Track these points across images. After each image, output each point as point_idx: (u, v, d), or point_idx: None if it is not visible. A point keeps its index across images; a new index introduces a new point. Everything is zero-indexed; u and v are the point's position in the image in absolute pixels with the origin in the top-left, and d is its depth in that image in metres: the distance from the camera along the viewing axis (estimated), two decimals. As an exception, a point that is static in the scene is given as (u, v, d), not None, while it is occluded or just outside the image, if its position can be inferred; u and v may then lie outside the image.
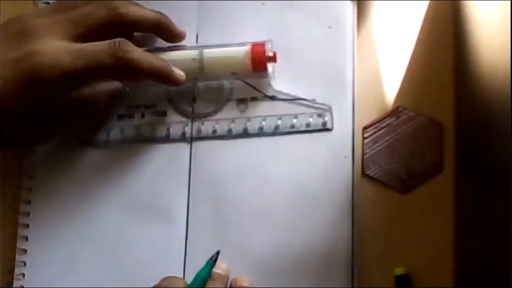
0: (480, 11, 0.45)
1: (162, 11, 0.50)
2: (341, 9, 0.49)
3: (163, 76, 0.46)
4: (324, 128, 0.47)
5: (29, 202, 0.49)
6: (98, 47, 0.44)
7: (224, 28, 0.50)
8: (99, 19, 0.45)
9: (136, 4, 0.48)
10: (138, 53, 0.44)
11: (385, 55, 0.48)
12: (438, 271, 0.44)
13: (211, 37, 0.50)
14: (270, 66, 0.47)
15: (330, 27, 0.49)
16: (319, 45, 0.48)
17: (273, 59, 0.47)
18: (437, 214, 0.45)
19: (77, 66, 0.43)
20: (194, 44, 0.50)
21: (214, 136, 0.48)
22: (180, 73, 0.46)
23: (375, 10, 0.49)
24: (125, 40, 0.44)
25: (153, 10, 0.48)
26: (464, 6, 0.47)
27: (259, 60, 0.47)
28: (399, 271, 0.45)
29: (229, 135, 0.48)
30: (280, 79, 0.48)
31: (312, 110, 0.47)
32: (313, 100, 0.47)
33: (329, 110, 0.47)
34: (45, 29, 0.44)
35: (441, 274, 0.44)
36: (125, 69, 0.44)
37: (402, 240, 0.45)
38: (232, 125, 0.48)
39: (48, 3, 0.51)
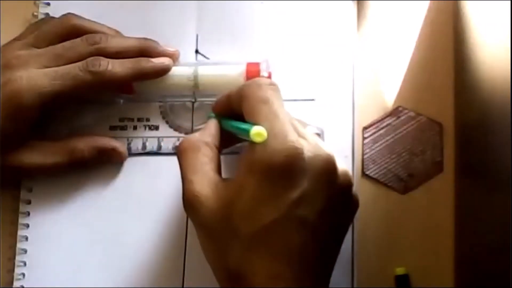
0: (480, 11, 0.45)
1: (162, 11, 0.50)
2: (341, 9, 0.49)
3: (139, 76, 0.46)
4: None
5: (29, 202, 0.49)
6: (71, 66, 0.45)
7: (224, 28, 0.50)
8: (79, 54, 0.46)
9: (118, 35, 0.49)
10: (111, 63, 0.45)
11: (385, 55, 0.48)
12: (438, 271, 0.44)
13: (211, 37, 0.50)
14: None
15: (330, 27, 0.49)
16: (319, 45, 0.48)
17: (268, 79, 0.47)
18: (437, 214, 0.45)
19: (55, 86, 0.45)
20: (193, 44, 0.50)
21: None
22: (162, 61, 0.47)
23: (375, 10, 0.49)
24: (97, 57, 0.46)
25: (137, 38, 0.48)
26: (464, 6, 0.47)
27: None
28: (399, 271, 0.45)
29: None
30: (280, 79, 0.48)
31: None
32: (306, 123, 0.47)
33: (321, 133, 0.47)
34: (26, 60, 0.46)
35: (441, 274, 0.44)
36: (101, 81, 0.45)
37: (402, 240, 0.45)
38: None
39: (48, 3, 0.51)
